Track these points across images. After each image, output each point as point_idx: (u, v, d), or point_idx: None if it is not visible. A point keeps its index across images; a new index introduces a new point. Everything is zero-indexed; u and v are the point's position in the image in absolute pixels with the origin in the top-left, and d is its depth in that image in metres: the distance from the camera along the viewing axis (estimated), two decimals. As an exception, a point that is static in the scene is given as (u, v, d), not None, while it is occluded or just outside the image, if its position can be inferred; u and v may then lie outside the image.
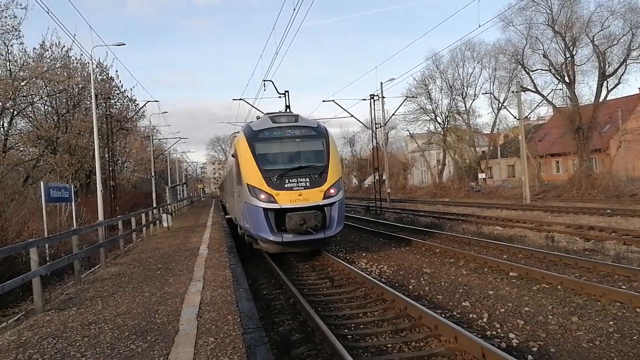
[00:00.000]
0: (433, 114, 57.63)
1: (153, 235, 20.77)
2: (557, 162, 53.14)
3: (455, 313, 8.18)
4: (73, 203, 17.96)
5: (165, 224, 23.22)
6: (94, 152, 33.45)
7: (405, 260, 13.55)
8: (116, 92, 35.72)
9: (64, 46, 31.15)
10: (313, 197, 13.09)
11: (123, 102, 37.65)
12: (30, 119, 31.06)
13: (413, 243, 16.37)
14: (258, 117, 16.64)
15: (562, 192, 38.22)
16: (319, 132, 14.34)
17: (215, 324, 6.36)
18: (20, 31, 26.98)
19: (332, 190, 13.32)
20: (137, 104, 38.80)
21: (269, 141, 13.90)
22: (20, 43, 27.78)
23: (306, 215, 12.67)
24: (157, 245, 16.96)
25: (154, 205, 37.08)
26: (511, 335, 6.82)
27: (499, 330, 7.11)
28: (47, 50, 30.18)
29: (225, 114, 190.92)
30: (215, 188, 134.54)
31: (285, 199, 12.93)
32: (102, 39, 53.74)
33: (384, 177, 46.83)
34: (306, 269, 13.49)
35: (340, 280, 11.31)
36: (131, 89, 53.43)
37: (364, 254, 15.02)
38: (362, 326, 7.75)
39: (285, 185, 13.09)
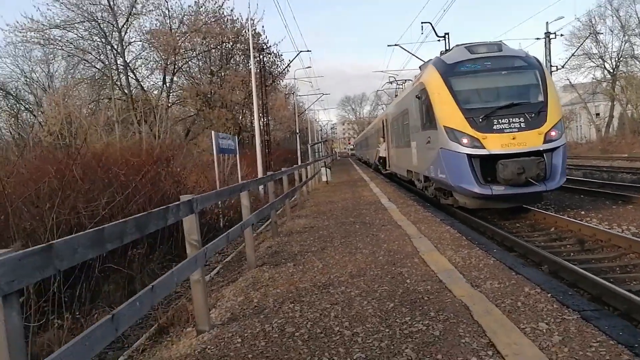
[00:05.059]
0: (600, 59, 50.08)
1: (316, 189, 19.74)
2: None
3: None
4: (237, 155, 17.55)
5: (324, 179, 22.17)
6: (245, 107, 33.85)
7: (649, 221, 10.60)
8: (264, 47, 35.48)
9: (216, 2, 31.23)
10: (530, 140, 10.66)
11: (269, 57, 37.44)
12: (188, 76, 31.87)
13: (635, 200, 13.19)
14: (445, 50, 14.30)
15: None
16: (529, 63, 11.71)
17: (516, 298, 4.46)
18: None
19: (553, 133, 10.78)
20: (283, 60, 38.36)
21: (469, 75, 11.59)
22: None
23: (525, 163, 10.31)
24: (328, 198, 15.72)
25: (299, 161, 36.79)
26: None
27: None
28: (202, 6, 30.44)
29: (355, 73, 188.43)
30: (345, 148, 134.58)
31: (495, 144, 10.66)
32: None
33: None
34: (518, 227, 11.14)
35: (587, 244, 8.84)
36: (276, 44, 53.34)
37: (582, 212, 12.22)
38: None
39: (494, 127, 10.80)
